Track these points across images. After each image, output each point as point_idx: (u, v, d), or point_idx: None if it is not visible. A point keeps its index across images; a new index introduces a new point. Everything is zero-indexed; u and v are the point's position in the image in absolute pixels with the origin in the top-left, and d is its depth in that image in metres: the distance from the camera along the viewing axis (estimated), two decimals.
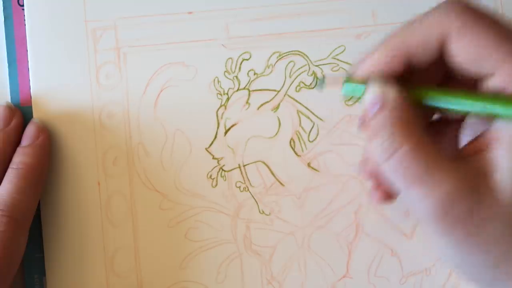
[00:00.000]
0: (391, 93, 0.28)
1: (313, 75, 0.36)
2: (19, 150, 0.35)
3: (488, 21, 0.27)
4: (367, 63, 0.29)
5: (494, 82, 0.27)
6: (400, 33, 0.29)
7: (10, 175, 0.34)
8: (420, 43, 0.28)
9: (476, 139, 0.28)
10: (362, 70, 0.29)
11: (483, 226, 0.26)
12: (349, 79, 0.29)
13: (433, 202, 0.27)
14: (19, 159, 0.34)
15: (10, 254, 0.32)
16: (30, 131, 0.35)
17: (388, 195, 0.32)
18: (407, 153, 0.27)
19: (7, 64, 0.37)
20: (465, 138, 0.31)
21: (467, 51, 0.27)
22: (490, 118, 0.27)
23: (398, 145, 0.27)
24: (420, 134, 0.28)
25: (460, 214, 0.26)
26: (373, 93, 0.29)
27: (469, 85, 0.28)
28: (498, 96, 0.27)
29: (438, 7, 0.28)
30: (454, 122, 0.31)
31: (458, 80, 0.29)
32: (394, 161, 0.27)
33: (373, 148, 0.28)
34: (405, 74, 0.29)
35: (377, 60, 0.29)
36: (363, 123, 0.29)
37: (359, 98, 0.29)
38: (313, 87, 0.36)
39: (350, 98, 0.30)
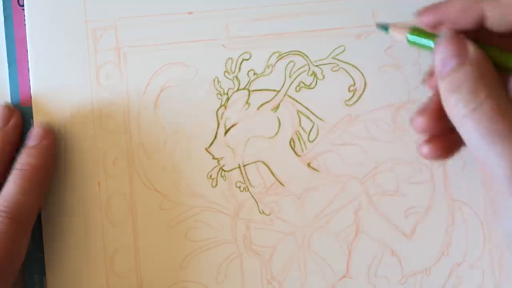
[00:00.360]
0: (471, 48, 0.28)
1: (377, 26, 0.33)
2: (24, 151, 0.35)
3: None
4: (437, 13, 0.28)
5: None
6: None
7: (15, 176, 0.34)
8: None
9: None
10: (431, 20, 0.28)
11: None
12: (416, 30, 0.28)
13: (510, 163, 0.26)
14: (24, 160, 0.34)
15: (12, 255, 0.32)
16: (36, 132, 0.35)
17: (445, 151, 0.31)
18: (493, 108, 0.26)
19: (7, 64, 0.37)
20: None
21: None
22: None
23: (483, 99, 0.27)
24: (499, 92, 0.27)
25: None
26: (450, 47, 0.28)
27: None
28: None
29: None
30: None
31: None
32: (479, 115, 0.26)
33: (452, 102, 0.27)
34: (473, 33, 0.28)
35: (450, 11, 0.28)
36: (432, 76, 0.29)
37: (427, 48, 0.28)
38: (377, 27, 0.33)
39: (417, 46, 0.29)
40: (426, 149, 0.31)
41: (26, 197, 0.33)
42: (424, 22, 0.29)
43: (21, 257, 0.33)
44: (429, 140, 0.31)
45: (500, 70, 0.28)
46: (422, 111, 0.31)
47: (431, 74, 0.32)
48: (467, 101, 0.27)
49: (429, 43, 0.29)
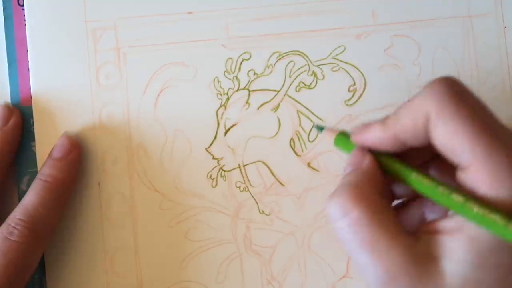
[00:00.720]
0: (366, 159, 0.30)
1: (313, 126, 0.36)
2: (49, 162, 0.35)
3: (467, 109, 0.27)
4: (363, 137, 0.30)
5: (466, 178, 0.27)
6: (393, 116, 0.29)
7: (37, 186, 0.33)
8: (409, 128, 0.28)
9: (437, 220, 0.28)
10: (358, 141, 0.30)
11: None
12: (341, 138, 0.32)
13: (378, 271, 0.27)
14: (48, 171, 0.34)
15: (26, 267, 0.32)
16: (63, 144, 0.35)
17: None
18: (359, 219, 0.27)
19: (7, 64, 0.37)
20: (430, 215, 0.31)
21: (443, 140, 0.27)
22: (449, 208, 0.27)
23: (350, 209, 0.28)
24: (376, 202, 0.28)
25: (402, 287, 0.26)
26: (352, 156, 0.30)
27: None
28: (454, 194, 0.27)
29: (424, 89, 0.28)
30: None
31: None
32: (346, 224, 0.28)
33: (329, 210, 0.29)
34: (400, 150, 0.29)
35: (372, 137, 0.30)
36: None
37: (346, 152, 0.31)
38: (312, 128, 0.36)
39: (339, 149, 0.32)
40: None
41: (46, 209, 0.33)
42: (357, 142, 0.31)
43: (33, 268, 0.33)
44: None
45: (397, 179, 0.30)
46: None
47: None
48: (337, 209, 0.28)
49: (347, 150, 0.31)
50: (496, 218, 0.25)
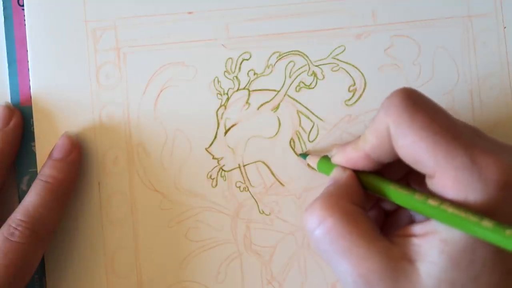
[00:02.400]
0: (344, 175, 0.31)
1: (298, 155, 0.37)
2: (49, 163, 0.34)
3: (423, 118, 0.27)
4: (340, 158, 0.31)
5: (433, 185, 0.27)
6: (362, 137, 0.30)
7: (38, 187, 0.33)
8: (376, 146, 0.29)
9: (411, 225, 0.29)
10: (337, 162, 0.32)
11: None
12: (323, 162, 0.34)
13: (354, 277, 0.27)
14: (49, 172, 0.34)
15: (26, 267, 0.32)
16: (63, 144, 0.35)
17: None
18: (332, 226, 0.28)
19: (7, 64, 0.37)
20: (405, 219, 0.32)
21: (405, 153, 0.28)
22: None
23: (324, 217, 0.28)
24: (351, 210, 0.29)
25: None
26: (332, 173, 0.32)
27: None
28: (430, 199, 0.27)
29: (381, 105, 0.29)
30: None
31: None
32: (321, 234, 0.28)
33: (304, 217, 0.30)
34: (377, 168, 0.30)
35: (347, 158, 0.31)
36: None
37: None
38: (298, 155, 0.37)
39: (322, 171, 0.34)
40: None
41: (47, 210, 0.33)
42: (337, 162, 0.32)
43: (34, 269, 0.33)
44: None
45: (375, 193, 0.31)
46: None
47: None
48: (315, 216, 0.29)
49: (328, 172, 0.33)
50: (470, 216, 0.25)
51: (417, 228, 0.28)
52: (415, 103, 0.28)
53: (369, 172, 0.31)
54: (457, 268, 0.26)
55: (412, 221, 0.32)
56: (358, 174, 0.31)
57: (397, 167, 0.31)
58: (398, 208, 0.33)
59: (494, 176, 0.26)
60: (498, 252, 0.26)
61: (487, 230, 0.25)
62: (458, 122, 0.28)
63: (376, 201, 0.34)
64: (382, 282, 0.27)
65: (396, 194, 0.29)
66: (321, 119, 0.37)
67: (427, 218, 0.28)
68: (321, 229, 0.28)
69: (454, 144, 0.26)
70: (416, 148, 0.27)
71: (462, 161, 0.26)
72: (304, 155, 0.36)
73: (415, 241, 0.27)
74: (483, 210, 0.26)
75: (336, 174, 0.31)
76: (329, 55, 0.37)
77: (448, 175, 0.26)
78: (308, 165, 0.36)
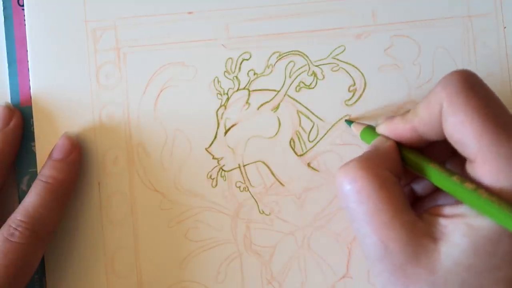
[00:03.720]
0: (383, 143, 0.31)
1: (344, 121, 0.37)
2: (49, 163, 0.34)
3: (476, 100, 0.27)
4: (386, 128, 0.31)
5: (472, 169, 0.27)
6: (412, 110, 0.30)
7: (38, 188, 0.33)
8: (426, 121, 0.29)
9: (440, 205, 0.29)
10: (381, 132, 0.32)
11: (412, 281, 0.27)
12: (367, 131, 0.34)
13: (376, 243, 0.28)
14: (49, 172, 0.34)
15: (26, 267, 0.32)
16: (63, 145, 0.35)
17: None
18: (364, 187, 0.28)
19: (7, 64, 0.37)
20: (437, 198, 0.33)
21: (452, 131, 0.28)
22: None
23: (357, 177, 0.29)
24: (384, 176, 0.29)
25: (394, 262, 0.27)
26: (375, 140, 0.32)
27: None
28: (464, 185, 0.27)
29: (439, 81, 0.29)
30: None
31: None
32: (352, 194, 0.29)
33: (337, 173, 0.30)
34: (420, 144, 0.31)
35: (393, 129, 0.31)
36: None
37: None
38: (346, 123, 0.37)
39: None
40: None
41: (47, 211, 0.33)
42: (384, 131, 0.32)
43: (34, 270, 0.33)
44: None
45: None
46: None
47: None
48: (346, 177, 0.29)
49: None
50: (503, 206, 0.26)
51: (446, 209, 0.28)
52: (473, 85, 0.28)
53: (409, 149, 0.31)
54: (477, 255, 0.26)
55: (441, 194, 0.32)
56: (399, 146, 0.31)
57: (438, 149, 0.31)
58: (429, 194, 0.33)
59: None
60: None
61: None
62: (509, 114, 0.28)
63: (410, 181, 0.34)
64: (401, 254, 0.27)
65: (434, 173, 0.29)
66: (321, 119, 0.37)
67: (458, 202, 0.28)
68: (352, 187, 0.29)
69: (502, 132, 0.26)
70: (464, 128, 0.27)
71: (506, 150, 0.26)
72: (349, 122, 0.36)
73: (442, 221, 0.28)
74: None
75: (378, 141, 0.31)
76: (329, 55, 0.37)
77: (489, 162, 0.26)
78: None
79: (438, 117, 0.28)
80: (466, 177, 0.28)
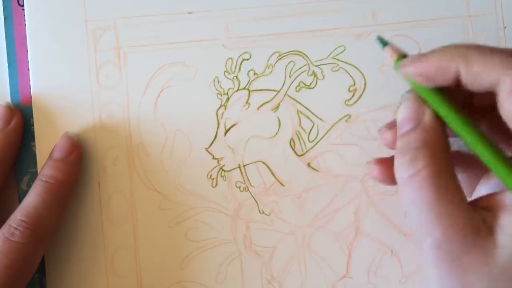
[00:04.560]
0: (427, 115, 0.29)
1: (376, 37, 0.33)
2: (50, 163, 0.34)
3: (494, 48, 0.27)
4: (418, 67, 0.29)
5: (503, 88, 0.26)
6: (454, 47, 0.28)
7: (39, 187, 0.33)
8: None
9: (494, 194, 0.28)
10: (414, 69, 0.29)
11: (468, 272, 0.27)
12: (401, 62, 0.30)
13: (434, 232, 0.27)
14: (50, 172, 0.34)
15: (27, 267, 0.32)
16: (64, 145, 0.35)
17: (388, 178, 0.32)
18: (428, 178, 0.28)
19: (7, 64, 0.37)
20: (487, 187, 0.32)
21: (476, 65, 0.27)
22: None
23: (421, 167, 0.28)
24: (445, 163, 0.28)
25: (452, 252, 0.27)
26: (409, 110, 0.30)
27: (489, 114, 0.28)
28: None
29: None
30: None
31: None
32: (413, 182, 0.28)
33: (396, 164, 0.29)
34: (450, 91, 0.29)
35: (427, 67, 0.29)
36: (389, 130, 0.31)
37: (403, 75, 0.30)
38: (379, 41, 0.32)
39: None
40: (375, 171, 0.32)
41: (48, 211, 0.33)
42: (407, 73, 0.30)
43: (34, 270, 0.33)
44: (380, 162, 0.32)
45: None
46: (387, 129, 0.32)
47: (389, 127, 0.32)
48: (407, 165, 0.28)
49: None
50: None
51: (501, 199, 0.28)
52: None
53: (446, 106, 0.29)
54: None
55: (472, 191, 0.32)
56: (436, 108, 0.29)
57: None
58: (482, 180, 0.32)
59: None
60: None
61: None
62: None
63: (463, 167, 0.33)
64: (459, 243, 0.27)
65: (483, 152, 0.28)
66: (321, 119, 0.37)
67: (497, 191, 0.28)
68: (416, 176, 0.28)
69: None
70: (485, 61, 0.27)
71: None
72: (383, 43, 0.32)
73: (497, 212, 0.27)
74: None
75: (415, 112, 0.29)
76: (329, 55, 0.37)
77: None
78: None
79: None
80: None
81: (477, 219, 0.27)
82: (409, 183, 0.28)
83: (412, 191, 0.28)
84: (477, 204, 0.29)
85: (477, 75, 0.27)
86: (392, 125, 0.32)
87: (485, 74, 0.27)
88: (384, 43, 0.32)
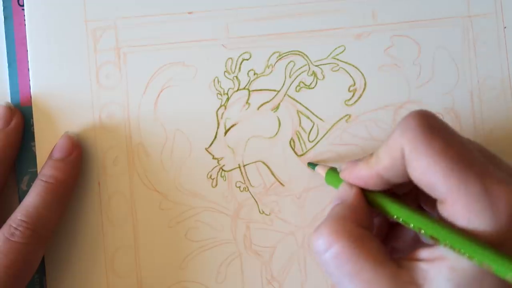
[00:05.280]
0: (348, 192, 0.30)
1: (307, 164, 0.37)
2: (50, 163, 0.34)
3: (439, 143, 0.27)
4: (351, 175, 0.31)
5: (444, 211, 0.27)
6: (375, 155, 0.29)
7: (39, 187, 0.33)
8: (389, 167, 0.28)
9: (420, 249, 0.28)
10: (346, 178, 0.31)
11: None
12: (331, 174, 0.34)
13: None
14: (50, 172, 0.34)
15: (27, 267, 0.32)
16: (64, 144, 0.35)
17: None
18: (340, 251, 0.28)
19: (7, 64, 0.37)
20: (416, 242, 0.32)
21: (418, 176, 0.27)
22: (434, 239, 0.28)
23: (332, 242, 0.28)
24: (359, 234, 0.28)
25: None
26: (339, 190, 0.31)
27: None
28: (439, 225, 0.27)
29: (398, 126, 0.28)
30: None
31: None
32: (328, 256, 0.28)
33: (312, 240, 0.29)
34: (386, 187, 0.30)
35: (358, 176, 0.30)
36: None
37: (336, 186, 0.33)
38: (308, 166, 0.37)
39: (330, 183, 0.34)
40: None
41: (48, 211, 0.33)
42: (344, 178, 0.32)
43: (34, 270, 0.33)
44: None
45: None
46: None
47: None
48: (321, 241, 0.29)
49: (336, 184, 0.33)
50: (477, 246, 0.25)
51: (425, 253, 0.28)
52: (432, 127, 0.27)
53: (377, 191, 0.30)
54: None
55: (417, 236, 0.32)
56: (365, 192, 0.31)
57: (407, 186, 0.31)
58: (405, 240, 0.33)
59: (505, 207, 0.25)
60: (506, 284, 0.26)
61: (492, 261, 0.25)
62: (473, 148, 0.28)
63: (384, 230, 0.34)
64: None
65: (407, 216, 0.29)
66: (321, 119, 0.37)
67: (435, 244, 0.28)
68: (329, 254, 0.28)
69: (468, 171, 0.26)
70: (429, 172, 0.27)
71: (475, 190, 0.26)
72: (312, 165, 0.36)
73: (423, 266, 0.27)
74: (492, 240, 0.25)
75: (342, 192, 0.31)
76: (329, 55, 0.37)
77: (459, 202, 0.26)
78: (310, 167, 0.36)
79: (401, 162, 0.28)
80: (439, 217, 0.28)
81: (403, 278, 0.27)
82: (326, 260, 0.28)
83: (332, 267, 0.28)
84: (402, 260, 0.28)
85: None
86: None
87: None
88: (313, 166, 0.36)
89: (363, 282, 0.27)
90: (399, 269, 0.28)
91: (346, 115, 0.37)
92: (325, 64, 0.37)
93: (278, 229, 0.37)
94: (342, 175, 0.32)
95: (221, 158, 0.37)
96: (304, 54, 0.37)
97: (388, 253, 0.29)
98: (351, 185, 0.31)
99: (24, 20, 0.37)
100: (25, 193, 0.35)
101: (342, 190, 0.31)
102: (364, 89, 0.37)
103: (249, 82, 0.37)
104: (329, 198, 0.37)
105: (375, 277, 0.27)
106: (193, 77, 0.37)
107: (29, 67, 0.36)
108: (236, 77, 0.37)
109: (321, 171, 0.35)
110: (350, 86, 0.37)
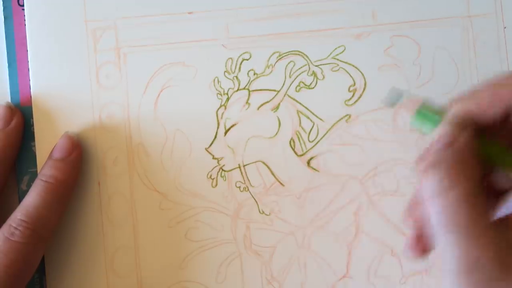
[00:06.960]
0: (464, 134, 0.28)
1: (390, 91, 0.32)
2: (50, 163, 0.34)
3: None
4: (466, 104, 0.28)
5: None
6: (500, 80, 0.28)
7: (39, 187, 0.33)
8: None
9: None
10: (458, 110, 0.28)
11: None
12: (425, 106, 0.29)
13: (461, 256, 0.26)
14: (50, 172, 0.34)
15: (27, 267, 0.32)
16: (64, 144, 0.35)
17: (425, 250, 0.30)
18: (457, 198, 0.26)
19: (7, 64, 0.37)
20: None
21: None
22: None
23: (451, 186, 0.27)
24: (475, 183, 0.27)
25: (481, 279, 0.26)
26: (445, 129, 0.28)
27: None
28: None
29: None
30: None
31: None
32: (443, 200, 0.27)
33: (425, 183, 0.27)
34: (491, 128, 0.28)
35: (476, 105, 0.28)
36: (415, 206, 0.29)
37: (426, 131, 0.29)
38: (385, 102, 0.32)
39: (418, 129, 0.30)
40: (411, 247, 0.31)
41: (48, 211, 0.33)
42: (455, 111, 0.29)
43: (34, 269, 0.33)
44: (415, 239, 0.31)
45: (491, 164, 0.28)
46: (413, 206, 0.31)
47: (414, 204, 0.31)
48: (438, 182, 0.27)
49: (434, 120, 0.29)
50: None
51: None
52: None
53: (484, 137, 0.28)
54: None
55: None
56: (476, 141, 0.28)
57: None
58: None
59: None
60: None
61: None
62: None
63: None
64: (494, 268, 0.26)
65: None
66: (321, 119, 0.37)
67: None
68: (443, 198, 0.26)
69: None
70: None
71: None
72: (397, 96, 0.31)
73: None
74: None
75: (451, 133, 0.28)
76: (329, 55, 0.37)
77: None
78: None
79: None
80: None
81: (508, 243, 0.26)
82: (437, 201, 0.27)
83: (441, 211, 0.27)
84: (508, 224, 0.27)
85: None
86: (413, 207, 0.30)
87: None
88: (397, 96, 0.31)
89: (468, 236, 0.26)
90: (505, 230, 0.27)
91: (346, 115, 0.37)
92: (325, 64, 0.37)
93: (278, 229, 0.37)
94: (456, 109, 0.29)
95: (221, 158, 0.37)
96: (304, 54, 0.37)
97: (493, 213, 0.27)
98: (460, 127, 0.28)
99: (24, 20, 0.37)
100: (25, 193, 0.35)
101: (449, 132, 0.28)
102: (364, 89, 0.37)
103: (249, 82, 0.37)
104: (329, 198, 0.37)
105: (482, 235, 0.26)
106: (193, 77, 0.37)
107: (29, 67, 0.36)
108: (236, 77, 0.37)
109: (408, 105, 0.30)
110: (350, 86, 0.37)
